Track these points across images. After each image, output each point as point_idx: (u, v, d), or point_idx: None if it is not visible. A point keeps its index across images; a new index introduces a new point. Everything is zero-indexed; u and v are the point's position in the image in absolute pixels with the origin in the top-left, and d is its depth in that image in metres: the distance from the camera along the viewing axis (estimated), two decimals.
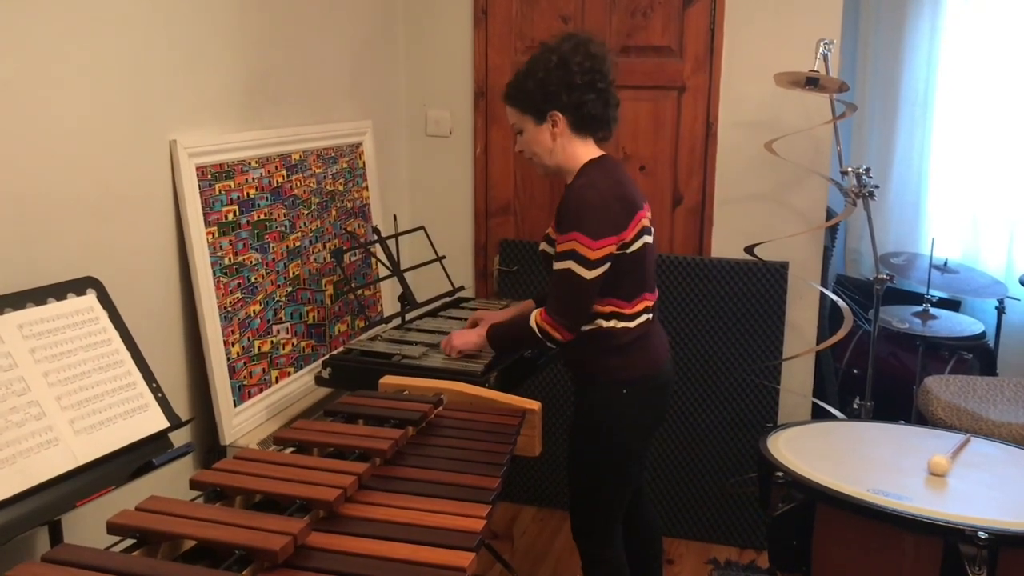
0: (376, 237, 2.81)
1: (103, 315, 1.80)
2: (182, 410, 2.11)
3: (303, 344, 2.66)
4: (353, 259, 2.97)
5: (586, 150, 2.16)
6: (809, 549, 1.98)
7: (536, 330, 2.10)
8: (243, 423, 2.34)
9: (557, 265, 2.07)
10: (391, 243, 2.80)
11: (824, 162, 3.11)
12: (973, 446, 2.20)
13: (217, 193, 2.32)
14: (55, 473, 1.55)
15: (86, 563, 1.12)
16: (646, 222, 2.15)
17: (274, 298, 2.54)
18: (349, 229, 2.95)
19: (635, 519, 2.45)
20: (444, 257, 2.91)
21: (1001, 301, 3.62)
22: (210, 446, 2.32)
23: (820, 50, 2.84)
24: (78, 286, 1.80)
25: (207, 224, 2.28)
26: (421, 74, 3.48)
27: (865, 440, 2.25)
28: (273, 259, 2.54)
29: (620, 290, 2.12)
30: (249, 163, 2.46)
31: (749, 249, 3.07)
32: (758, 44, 3.09)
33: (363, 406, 1.80)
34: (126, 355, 1.79)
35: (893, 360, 3.62)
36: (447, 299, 2.89)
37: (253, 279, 2.45)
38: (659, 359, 2.23)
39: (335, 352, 2.53)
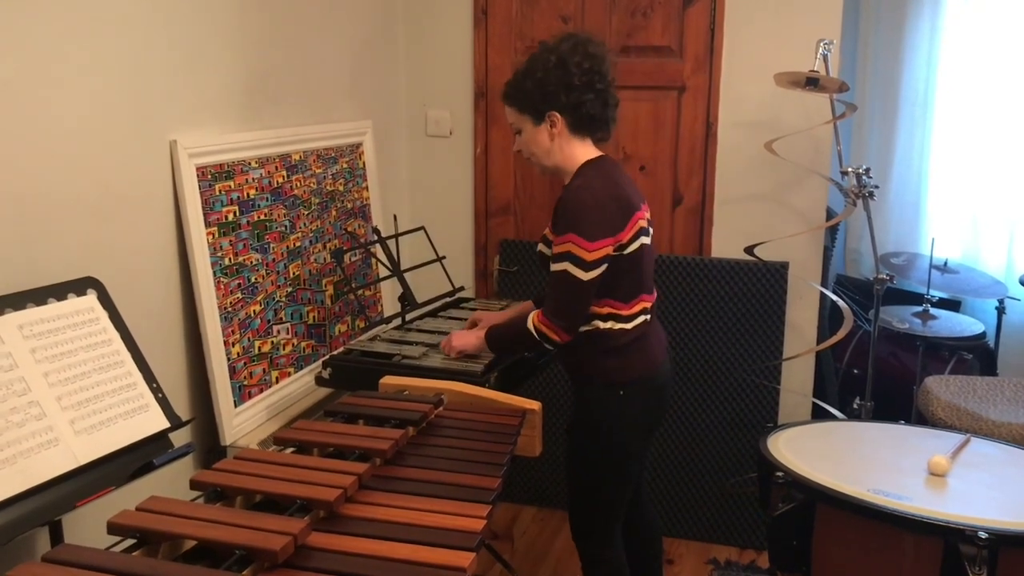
0: (376, 237, 2.81)
1: (103, 315, 1.80)
2: (182, 410, 2.11)
3: (303, 344, 2.66)
4: (353, 259, 2.97)
5: (584, 151, 2.16)
6: (809, 549, 1.98)
7: (533, 332, 2.10)
8: (243, 423, 2.34)
9: (554, 267, 2.07)
10: (391, 243, 2.80)
11: (824, 162, 3.11)
12: (973, 446, 2.20)
13: (217, 193, 2.32)
14: (55, 473, 1.55)
15: (86, 563, 1.12)
16: (644, 223, 2.15)
17: (274, 298, 2.54)
18: (349, 229, 2.95)
19: (635, 519, 2.45)
20: (444, 257, 2.91)
21: (1001, 301, 3.62)
22: (210, 446, 2.32)
23: (820, 50, 2.84)
24: (78, 286, 1.80)
25: (207, 224, 2.28)
26: (421, 74, 3.48)
27: (865, 440, 2.25)
28: (273, 259, 2.54)
29: (617, 291, 2.12)
30: (249, 163, 2.46)
31: (749, 249, 3.07)
32: (758, 44, 3.09)
33: (363, 406, 1.81)
34: (126, 355, 1.79)
35: (893, 360, 3.62)
36: (447, 299, 2.89)
37: (253, 279, 2.45)
38: (657, 360, 2.23)
39: (335, 352, 2.53)
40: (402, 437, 1.63)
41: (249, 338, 2.42)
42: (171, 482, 1.96)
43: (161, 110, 2.17)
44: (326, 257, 2.80)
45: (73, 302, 1.76)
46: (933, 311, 3.52)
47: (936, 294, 3.70)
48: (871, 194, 2.96)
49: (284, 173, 2.62)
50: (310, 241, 2.73)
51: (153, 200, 2.16)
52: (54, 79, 1.85)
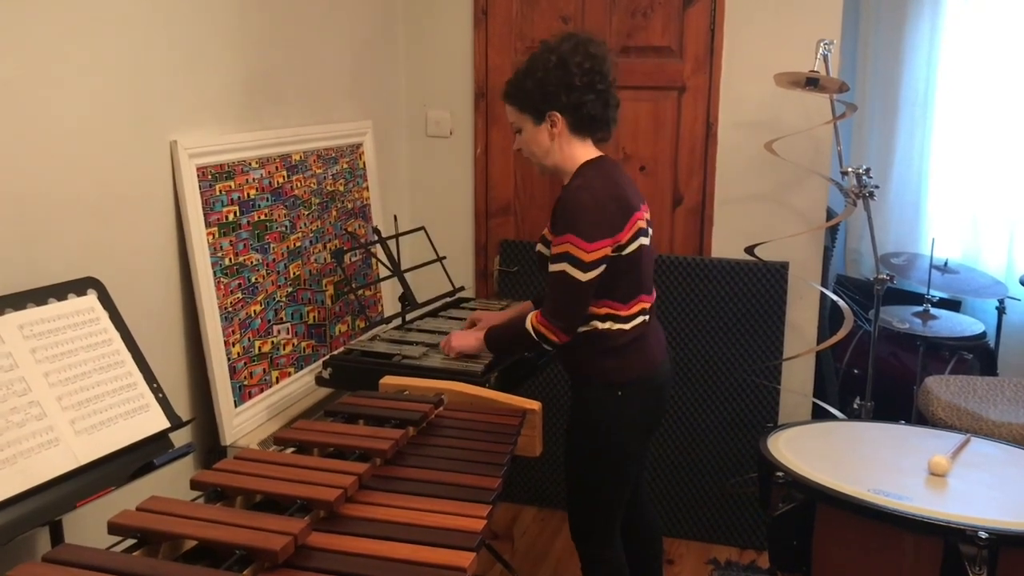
0: (376, 237, 2.81)
1: (104, 315, 1.80)
2: (183, 410, 2.11)
3: (304, 344, 2.66)
4: (353, 259, 2.97)
5: (584, 151, 2.16)
6: (809, 549, 1.98)
7: (532, 332, 2.10)
8: (244, 423, 2.35)
9: (552, 267, 2.07)
10: (391, 243, 2.80)
11: (824, 162, 3.11)
12: (973, 446, 2.20)
13: (217, 193, 2.33)
14: (56, 473, 1.55)
15: (87, 563, 1.12)
16: (643, 223, 2.15)
17: (275, 298, 2.54)
18: (349, 229, 2.95)
19: (634, 519, 2.45)
20: (444, 257, 2.91)
21: (1001, 301, 3.62)
22: (211, 446, 2.32)
23: (820, 50, 2.84)
24: (79, 286, 1.80)
25: (207, 224, 2.28)
26: (421, 74, 3.48)
27: (865, 440, 2.25)
28: (274, 259, 2.54)
29: (615, 292, 2.12)
30: (249, 163, 2.46)
31: (749, 249, 3.07)
32: (758, 44, 3.10)
33: (363, 406, 1.81)
34: (127, 355, 1.79)
35: (893, 360, 3.62)
36: (447, 299, 2.89)
37: (254, 279, 2.45)
38: (656, 360, 2.22)
39: (335, 352, 2.53)
40: (402, 437, 1.63)
41: (249, 338, 2.42)
42: (171, 482, 1.96)
43: (161, 110, 2.17)
44: (326, 257, 2.80)
45: (73, 302, 1.76)
46: (933, 311, 3.52)
47: (936, 294, 3.70)
48: (871, 194, 2.96)
49: (284, 173, 2.62)
50: (310, 241, 2.73)
51: (153, 200, 2.16)
52: (54, 79, 1.85)
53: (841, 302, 3.04)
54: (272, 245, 2.54)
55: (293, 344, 2.61)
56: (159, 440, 1.77)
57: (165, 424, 1.78)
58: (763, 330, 3.16)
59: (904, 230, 4.12)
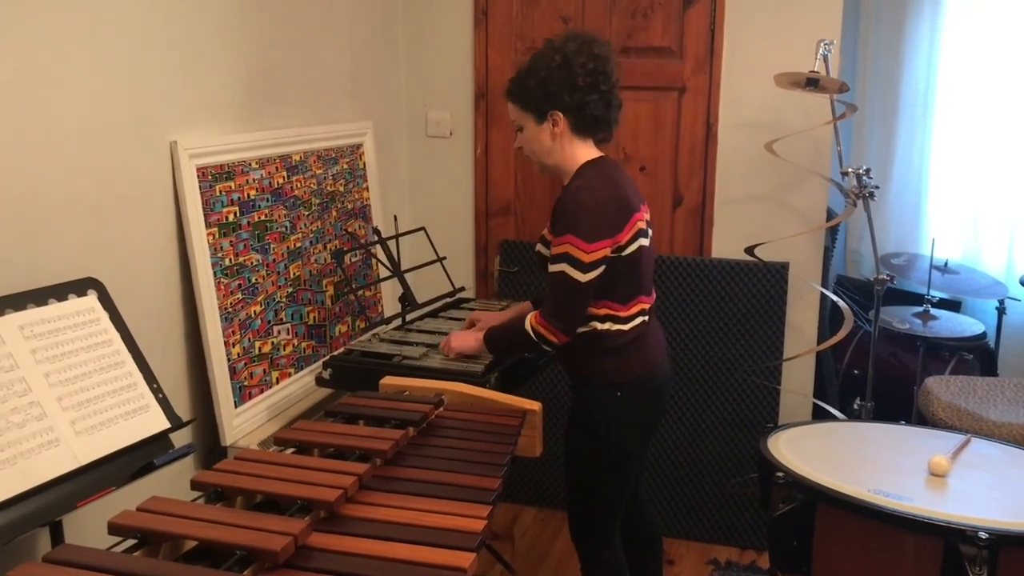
0: (377, 238, 2.81)
1: (104, 316, 1.80)
2: (183, 411, 2.11)
3: (304, 345, 2.66)
4: (354, 260, 2.97)
5: (585, 151, 2.16)
6: (810, 549, 1.98)
7: (531, 333, 2.10)
8: (244, 424, 2.35)
9: (551, 268, 2.07)
10: (392, 244, 2.80)
11: (824, 163, 3.11)
12: (973, 446, 2.20)
13: (218, 194, 2.33)
14: (56, 474, 1.55)
15: (87, 563, 1.12)
16: (643, 224, 2.15)
17: (275, 299, 2.54)
18: (350, 230, 2.95)
19: (634, 519, 2.45)
20: (445, 258, 2.91)
21: (1001, 302, 3.62)
22: (211, 447, 2.32)
23: (820, 51, 2.84)
24: (79, 287, 1.80)
25: (208, 225, 2.28)
26: (421, 75, 3.48)
27: (866, 440, 2.25)
28: (274, 260, 2.54)
29: (615, 292, 2.12)
30: (250, 164, 2.46)
31: (749, 250, 3.07)
32: (758, 45, 3.10)
33: (364, 407, 1.81)
34: (127, 356, 1.79)
35: (894, 360, 3.62)
36: (448, 300, 2.89)
37: (254, 280, 2.45)
38: (655, 360, 2.22)
39: (336, 353, 2.53)
40: (402, 438, 1.63)
41: (249, 338, 2.42)
42: (172, 482, 1.96)
43: (161, 111, 2.17)
44: (326, 258, 2.80)
45: (74, 303, 1.77)
46: (933, 311, 3.52)
47: (936, 294, 3.70)
48: (871, 195, 2.96)
49: (284, 174, 2.62)
50: (310, 242, 2.73)
51: (153, 201, 2.16)
52: (54, 79, 1.85)
53: (841, 302, 3.04)
54: (272, 245, 2.54)
55: (293, 344, 2.61)
56: (159, 440, 1.77)
57: (165, 424, 1.78)
58: (763, 330, 3.16)
59: (904, 230, 4.12)
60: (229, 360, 2.32)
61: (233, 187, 2.39)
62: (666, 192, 3.29)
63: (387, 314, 3.03)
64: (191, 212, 2.22)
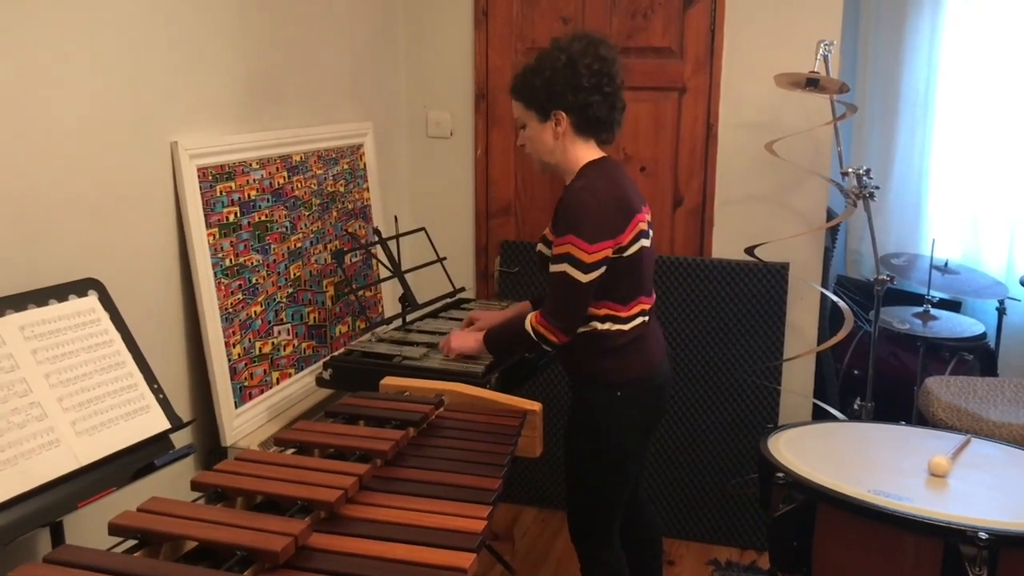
0: (377, 238, 2.81)
1: (104, 316, 1.80)
2: (183, 411, 2.11)
3: (304, 345, 2.67)
4: (354, 260, 2.97)
5: (587, 151, 2.16)
6: (810, 550, 1.98)
7: (532, 333, 2.10)
8: (244, 424, 2.35)
9: (553, 268, 2.07)
10: (392, 244, 2.80)
11: (824, 163, 3.11)
12: (973, 447, 2.20)
13: (218, 194, 2.33)
14: (57, 474, 1.55)
15: (88, 564, 1.12)
16: (644, 225, 2.15)
17: (275, 299, 2.54)
18: (350, 230, 2.96)
19: (634, 519, 2.45)
20: (445, 258, 2.91)
21: (1002, 302, 3.62)
22: (211, 447, 2.32)
23: (820, 51, 2.84)
24: (79, 287, 1.80)
25: (208, 225, 2.28)
26: (422, 75, 3.48)
27: (866, 441, 2.25)
28: (274, 260, 2.55)
29: (615, 293, 2.12)
30: (250, 164, 2.46)
31: (750, 250, 3.07)
32: (758, 45, 3.10)
33: (364, 407, 1.81)
34: (127, 356, 1.79)
35: (894, 361, 3.62)
36: (448, 300, 2.89)
37: (254, 280, 2.45)
38: (655, 360, 2.23)
39: (336, 353, 2.53)
40: (403, 438, 1.63)
41: (250, 339, 2.42)
42: (172, 483, 1.96)
43: (161, 111, 2.17)
44: (327, 258, 2.80)
45: (74, 303, 1.77)
46: (934, 312, 3.52)
47: (936, 295, 3.70)
48: (871, 195, 2.96)
49: (285, 174, 2.62)
50: (311, 242, 2.73)
51: (154, 201, 2.16)
52: (55, 79, 1.85)
53: (841, 303, 3.04)
54: (273, 246, 2.54)
55: (293, 345, 2.61)
56: (160, 441, 1.77)
57: (166, 425, 1.78)
58: (763, 331, 3.16)
59: (904, 231, 4.12)
60: (229, 360, 2.32)
61: (233, 187, 2.39)
62: (666, 192, 3.29)
63: (387, 314, 3.03)
64: (191, 212, 2.22)
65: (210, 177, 2.30)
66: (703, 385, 3.23)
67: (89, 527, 1.78)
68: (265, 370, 2.47)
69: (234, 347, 2.35)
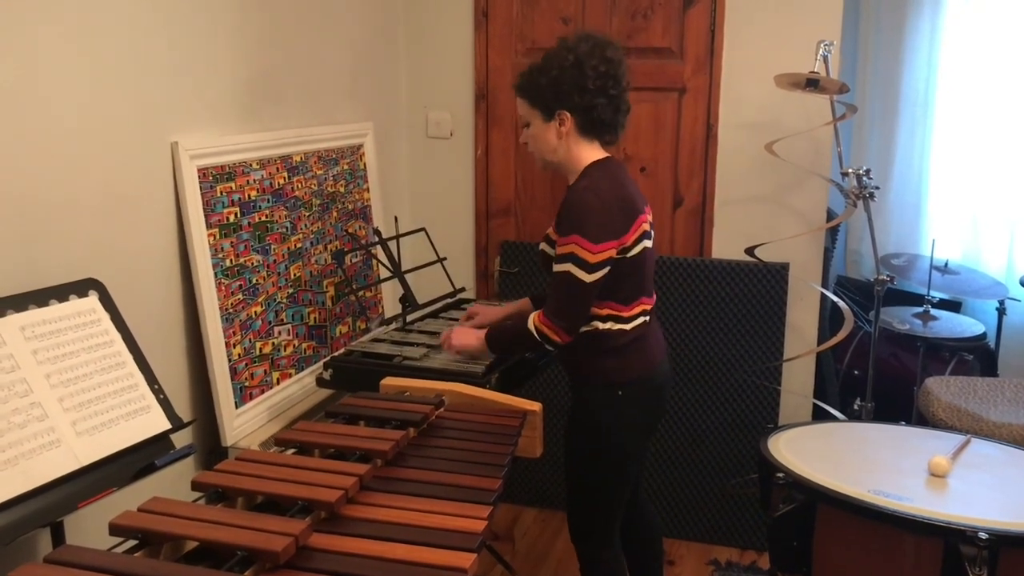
0: (377, 238, 2.82)
1: (105, 317, 1.80)
2: (184, 411, 2.11)
3: (304, 345, 2.67)
4: (354, 260, 2.97)
5: (591, 152, 2.16)
6: (810, 550, 1.98)
7: (534, 332, 2.10)
8: (244, 424, 2.35)
9: (557, 267, 2.07)
10: (392, 244, 2.80)
11: (824, 163, 3.11)
12: (973, 447, 2.20)
13: (218, 195, 2.33)
14: (57, 474, 1.55)
15: (88, 564, 1.12)
16: (647, 226, 2.15)
17: (275, 299, 2.54)
18: (350, 231, 2.96)
19: (634, 519, 2.45)
20: (445, 259, 2.91)
21: (1002, 302, 3.62)
22: (211, 447, 2.32)
23: (820, 51, 2.84)
24: (80, 288, 1.80)
25: (208, 226, 2.28)
26: (422, 76, 3.48)
27: (866, 441, 2.25)
28: (274, 260, 2.55)
29: (618, 293, 2.12)
30: (250, 165, 2.47)
31: (750, 250, 3.07)
32: (758, 45, 3.10)
33: (364, 407, 1.81)
34: (128, 356, 1.79)
35: (894, 361, 3.62)
36: (448, 300, 2.89)
37: (254, 280, 2.45)
38: (655, 360, 2.23)
39: (336, 353, 2.53)
40: (403, 438, 1.63)
41: (250, 339, 2.42)
42: (172, 483, 1.96)
43: (162, 111, 2.17)
44: (327, 258, 2.81)
45: (75, 303, 1.77)
46: (934, 312, 3.52)
47: (936, 295, 3.70)
48: (871, 195, 2.96)
49: (285, 174, 2.62)
50: (311, 242, 2.73)
51: (154, 201, 2.17)
52: (55, 79, 1.86)
53: (841, 303, 3.04)
54: (273, 246, 2.54)
55: (294, 345, 2.61)
56: (160, 441, 1.77)
57: (166, 425, 1.78)
58: (763, 331, 3.16)
59: (904, 231, 4.12)
60: (230, 361, 2.32)
61: (234, 188, 2.39)
62: (666, 193, 3.29)
63: (388, 314, 3.03)
64: (192, 213, 2.22)
65: (210, 177, 2.30)
66: (703, 385, 3.23)
67: (89, 527, 1.78)
68: (265, 370, 2.47)
69: (234, 347, 2.35)
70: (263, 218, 2.51)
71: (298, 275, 2.65)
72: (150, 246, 2.16)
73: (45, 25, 1.82)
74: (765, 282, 3.15)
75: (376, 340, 2.56)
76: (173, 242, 2.23)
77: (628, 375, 2.17)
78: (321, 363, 2.56)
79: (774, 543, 2.07)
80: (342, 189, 2.94)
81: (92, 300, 1.80)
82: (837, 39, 2.98)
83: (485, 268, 3.55)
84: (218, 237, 2.32)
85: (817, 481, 1.96)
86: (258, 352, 2.45)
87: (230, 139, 2.39)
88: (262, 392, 2.45)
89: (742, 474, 3.20)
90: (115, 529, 1.22)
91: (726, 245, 3.24)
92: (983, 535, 1.71)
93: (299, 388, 2.61)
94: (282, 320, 2.56)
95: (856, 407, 3.25)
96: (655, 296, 2.27)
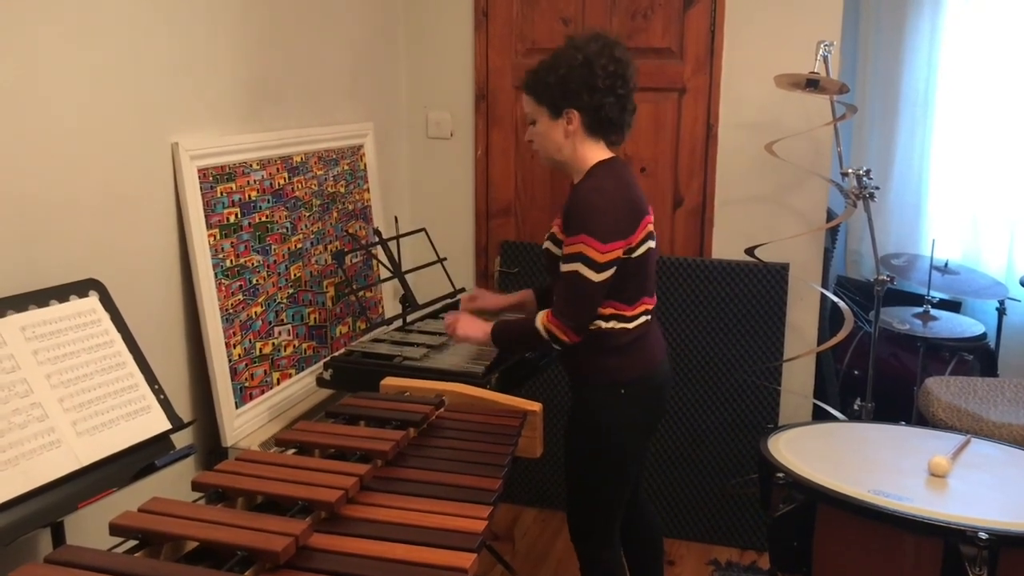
0: (377, 239, 2.82)
1: (105, 317, 1.80)
2: (184, 412, 2.11)
3: (304, 346, 2.67)
4: (354, 261, 2.97)
5: (596, 151, 2.16)
6: (810, 550, 1.98)
7: (543, 332, 2.10)
8: (245, 425, 2.35)
9: (565, 267, 2.07)
10: (392, 245, 2.80)
11: (824, 164, 3.11)
12: (973, 447, 2.20)
13: (219, 195, 2.33)
14: (58, 475, 1.55)
15: (89, 564, 1.12)
16: (651, 227, 2.16)
17: (275, 300, 2.54)
18: (350, 231, 2.96)
19: (634, 519, 2.45)
20: (445, 259, 2.91)
21: (1002, 302, 3.62)
22: (212, 448, 2.32)
23: (820, 51, 2.85)
24: (80, 288, 1.81)
25: (209, 226, 2.28)
26: (422, 76, 3.48)
27: (866, 441, 2.25)
28: (274, 261, 2.55)
29: (622, 293, 2.12)
30: (250, 165, 2.47)
31: (750, 251, 3.07)
32: (758, 46, 3.10)
33: (364, 407, 1.81)
34: (128, 357, 1.79)
35: (894, 361, 3.62)
36: (448, 300, 2.89)
37: (254, 281, 2.45)
38: (656, 359, 2.23)
39: (336, 354, 2.53)
40: (403, 438, 1.63)
41: (250, 339, 2.42)
42: (173, 483, 1.96)
43: (162, 112, 2.17)
44: (327, 259, 2.81)
45: (75, 304, 1.77)
46: (934, 312, 3.52)
47: (936, 295, 3.70)
48: (871, 195, 2.96)
49: (285, 175, 2.62)
50: (311, 243, 2.73)
51: (154, 202, 2.17)
52: (55, 80, 1.86)
53: (841, 303, 3.04)
54: (273, 246, 2.54)
55: (294, 345, 2.61)
56: (160, 441, 1.77)
57: (166, 425, 1.78)
58: (763, 331, 3.16)
59: (904, 231, 4.12)
60: (230, 361, 2.32)
61: (234, 188, 2.39)
62: (666, 193, 3.29)
63: (388, 315, 3.03)
64: (192, 213, 2.22)
65: (211, 178, 2.30)
66: (703, 385, 3.23)
67: (90, 527, 1.79)
68: (265, 370, 2.47)
69: (234, 348, 2.35)
70: (263, 218, 2.51)
71: (298, 275, 2.65)
72: (150, 246, 2.16)
73: (45, 25, 1.82)
74: (765, 282, 3.15)
75: (376, 340, 2.56)
76: (173, 242, 2.23)
77: (629, 374, 2.17)
78: (321, 363, 2.56)
79: (774, 543, 2.07)
80: (342, 189, 2.94)
81: (92, 300, 1.81)
82: (837, 39, 2.98)
83: (485, 268, 3.55)
84: (218, 237, 2.32)
85: (817, 481, 1.96)
86: (258, 352, 2.45)
87: (230, 139, 2.39)
88: (262, 392, 2.45)
89: (742, 474, 3.20)
90: (115, 529, 1.22)
91: (726, 245, 3.25)
92: (983, 535, 1.71)
93: (299, 388, 2.61)
94: (282, 320, 2.56)
95: (856, 407, 3.25)
96: (656, 297, 2.27)
